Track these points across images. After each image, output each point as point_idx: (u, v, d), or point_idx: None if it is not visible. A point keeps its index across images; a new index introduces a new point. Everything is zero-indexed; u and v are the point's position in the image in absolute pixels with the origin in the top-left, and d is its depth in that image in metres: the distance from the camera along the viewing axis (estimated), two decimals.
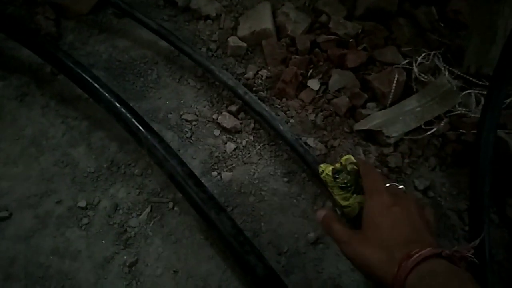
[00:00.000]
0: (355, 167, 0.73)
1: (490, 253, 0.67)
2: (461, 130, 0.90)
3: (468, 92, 0.94)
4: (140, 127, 0.84)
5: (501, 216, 0.81)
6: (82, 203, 0.85)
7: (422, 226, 0.48)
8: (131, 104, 0.89)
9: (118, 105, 0.86)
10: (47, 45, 0.95)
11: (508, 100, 0.91)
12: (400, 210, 0.50)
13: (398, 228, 0.49)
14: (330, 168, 0.74)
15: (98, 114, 0.98)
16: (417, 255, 0.44)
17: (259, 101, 0.93)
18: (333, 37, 1.07)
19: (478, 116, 0.88)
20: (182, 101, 1.02)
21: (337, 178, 0.72)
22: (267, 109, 0.91)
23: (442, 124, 0.91)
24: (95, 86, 0.88)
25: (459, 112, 0.92)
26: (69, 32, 1.14)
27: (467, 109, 0.92)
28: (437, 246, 0.45)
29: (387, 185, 0.55)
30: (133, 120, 0.85)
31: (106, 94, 0.88)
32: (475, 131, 0.86)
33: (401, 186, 0.56)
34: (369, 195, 0.54)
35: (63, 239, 0.82)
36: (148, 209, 0.85)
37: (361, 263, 0.49)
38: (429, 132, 0.90)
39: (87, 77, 0.89)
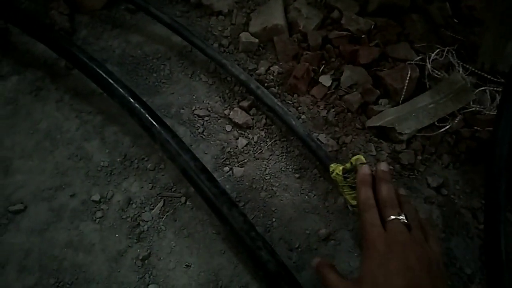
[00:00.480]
0: None
1: (506, 252, 0.66)
2: (475, 127, 0.89)
3: (483, 89, 0.93)
4: (154, 122, 0.85)
5: None
6: (96, 197, 0.86)
7: (422, 276, 0.44)
8: (144, 99, 0.90)
9: (132, 100, 0.87)
10: (62, 40, 0.96)
11: None
12: (397, 262, 0.45)
13: (396, 281, 0.44)
14: (341, 168, 0.74)
15: (111, 108, 0.99)
16: None
17: (271, 96, 0.93)
18: (345, 33, 1.07)
19: (493, 113, 0.87)
20: (194, 97, 1.02)
21: (347, 177, 0.72)
22: (279, 103, 0.91)
23: (456, 121, 0.90)
24: (109, 81, 0.89)
25: (473, 109, 0.91)
26: (83, 27, 1.15)
27: (482, 106, 0.91)
28: None
29: (390, 218, 0.50)
30: (147, 115, 0.86)
31: (120, 89, 0.88)
32: (489, 129, 0.85)
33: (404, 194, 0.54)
34: (365, 245, 0.49)
35: (77, 232, 0.83)
36: (160, 204, 0.86)
37: None
38: (442, 129, 0.89)
39: (102, 72, 0.90)
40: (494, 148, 0.71)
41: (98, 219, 0.84)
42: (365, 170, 0.59)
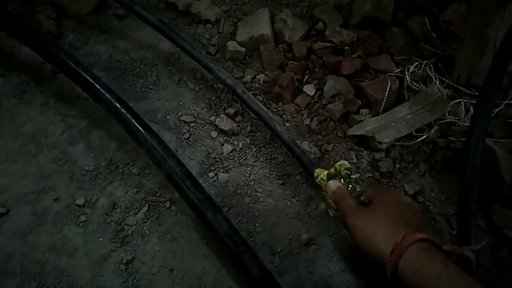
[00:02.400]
0: (348, 172, 0.76)
1: (477, 257, 0.70)
2: (450, 138, 0.93)
3: (458, 101, 0.98)
4: (140, 128, 0.86)
5: (487, 222, 0.84)
6: (80, 201, 0.87)
7: (422, 224, 0.58)
8: (130, 105, 0.91)
9: (118, 105, 0.88)
10: (48, 44, 0.96)
11: (496, 110, 0.94)
12: (407, 207, 0.59)
13: (407, 215, 0.56)
14: (325, 172, 0.77)
15: (97, 113, 0.99)
16: (421, 234, 0.48)
17: (257, 101, 0.94)
18: (329, 44, 1.10)
19: (467, 124, 0.92)
20: (180, 103, 1.04)
21: None
22: (265, 109, 0.93)
23: (432, 132, 0.94)
24: (96, 86, 0.90)
25: (448, 120, 0.95)
26: (70, 32, 1.15)
27: (457, 118, 0.95)
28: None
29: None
30: (133, 120, 0.87)
31: (107, 94, 0.89)
32: (464, 139, 0.89)
33: None
34: (384, 190, 0.64)
35: (61, 236, 0.83)
36: (145, 208, 0.87)
37: (364, 233, 0.55)
38: (419, 139, 0.93)
39: (88, 77, 0.91)
40: (467, 158, 0.75)
41: (82, 223, 0.85)
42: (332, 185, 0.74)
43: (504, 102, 0.95)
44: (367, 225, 0.56)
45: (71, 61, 0.93)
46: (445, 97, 0.97)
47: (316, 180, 0.78)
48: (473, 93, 0.99)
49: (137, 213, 0.86)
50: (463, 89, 1.00)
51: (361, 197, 0.72)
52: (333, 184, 0.71)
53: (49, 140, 0.96)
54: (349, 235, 0.64)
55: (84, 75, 0.92)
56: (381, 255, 0.52)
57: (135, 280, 0.78)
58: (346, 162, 0.77)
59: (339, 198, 0.67)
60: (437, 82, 1.01)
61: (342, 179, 0.74)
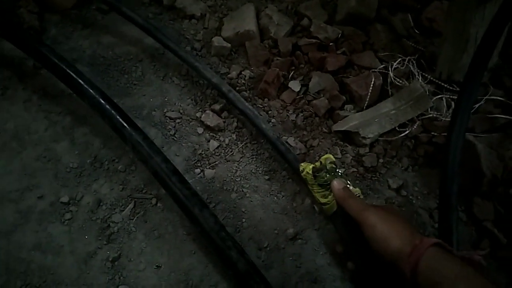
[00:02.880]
0: (334, 166, 0.77)
1: (458, 250, 0.72)
2: (432, 133, 0.95)
3: (440, 97, 1.00)
4: (125, 124, 0.85)
5: (468, 215, 0.86)
6: (65, 199, 0.86)
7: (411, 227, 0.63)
8: (115, 101, 0.90)
9: (102, 101, 0.87)
10: (30, 39, 0.95)
11: (476, 105, 0.96)
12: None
13: (408, 222, 0.62)
14: (311, 166, 0.77)
15: (81, 109, 0.98)
16: (436, 239, 0.52)
17: (242, 99, 0.95)
18: (314, 40, 1.11)
19: (449, 119, 0.94)
20: (166, 99, 1.03)
21: (317, 176, 0.76)
22: (250, 107, 0.93)
23: (415, 127, 0.96)
24: (80, 82, 0.89)
25: (431, 115, 0.97)
26: (53, 26, 1.14)
27: (439, 113, 0.97)
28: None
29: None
30: (118, 117, 0.86)
31: (91, 90, 0.88)
32: (445, 134, 0.91)
33: None
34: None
35: (45, 234, 0.82)
36: (131, 205, 0.86)
37: (383, 233, 0.58)
38: (402, 134, 0.95)
39: (72, 73, 0.90)
40: (447, 152, 0.77)
41: (67, 221, 0.84)
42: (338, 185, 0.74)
43: (485, 97, 0.97)
44: (385, 226, 0.59)
45: (53, 56, 0.92)
46: (427, 93, 0.99)
47: (302, 174, 0.79)
48: (454, 89, 1.01)
49: (123, 210, 0.86)
50: (445, 85, 1.02)
51: None
52: (338, 183, 0.72)
53: (33, 137, 0.95)
54: (364, 233, 0.63)
55: (67, 70, 0.91)
56: (398, 255, 0.55)
57: (122, 277, 0.78)
58: (331, 156, 0.78)
59: (347, 196, 0.70)
60: (420, 78, 1.02)
61: (327, 173, 0.75)
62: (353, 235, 0.68)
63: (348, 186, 0.74)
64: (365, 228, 0.62)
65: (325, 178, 0.74)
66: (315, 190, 0.76)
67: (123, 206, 0.86)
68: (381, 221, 0.60)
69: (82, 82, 0.89)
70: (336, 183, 0.72)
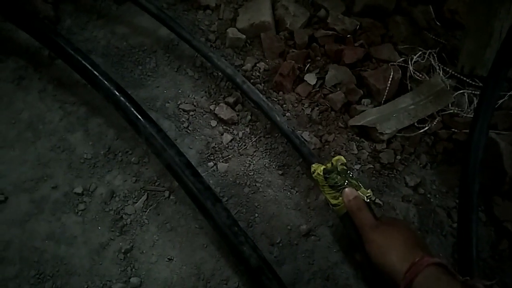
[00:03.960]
0: (345, 167, 0.76)
1: (477, 250, 0.70)
2: (452, 129, 0.92)
3: (461, 92, 0.97)
4: (139, 116, 0.84)
5: (488, 215, 0.84)
6: (79, 189, 0.86)
7: (418, 243, 0.61)
8: (129, 92, 0.90)
9: (117, 93, 0.87)
10: (46, 29, 0.94)
11: (500, 101, 0.93)
12: (415, 233, 0.63)
13: (418, 240, 0.59)
14: (322, 168, 0.76)
15: (96, 100, 0.98)
16: (439, 259, 0.51)
17: (257, 91, 0.93)
18: (331, 32, 1.08)
19: (470, 116, 0.91)
20: (180, 91, 1.02)
21: (327, 177, 0.74)
22: (264, 99, 0.92)
23: (434, 123, 0.93)
24: (94, 74, 0.88)
25: (451, 111, 0.94)
26: (67, 16, 1.13)
27: (460, 109, 0.94)
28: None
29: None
30: (132, 108, 0.85)
31: (105, 82, 0.88)
32: (466, 131, 0.88)
33: None
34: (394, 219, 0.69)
35: (59, 224, 0.83)
36: (144, 197, 0.86)
37: (381, 249, 0.58)
38: (421, 130, 0.92)
39: (87, 64, 0.89)
40: (469, 150, 0.74)
41: (80, 212, 0.84)
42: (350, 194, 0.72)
43: (508, 93, 0.94)
44: (385, 241, 0.59)
45: (69, 47, 0.91)
46: (448, 88, 0.96)
47: (313, 175, 0.78)
48: (476, 84, 0.98)
49: (136, 202, 0.86)
50: (467, 80, 0.98)
51: (359, 192, 0.72)
52: (350, 193, 0.71)
53: (47, 127, 0.95)
54: (366, 249, 0.66)
55: (83, 61, 0.90)
56: (394, 271, 0.55)
57: (133, 269, 0.78)
58: (342, 158, 0.76)
59: (355, 208, 0.69)
60: (441, 72, 0.99)
61: (338, 174, 0.73)
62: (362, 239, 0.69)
63: (359, 186, 0.72)
64: (366, 243, 0.64)
65: (336, 180, 0.73)
66: (326, 191, 0.75)
67: (136, 198, 0.86)
68: (382, 237, 0.61)
69: (97, 74, 0.89)
70: (348, 192, 0.71)
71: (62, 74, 1.02)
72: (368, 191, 0.73)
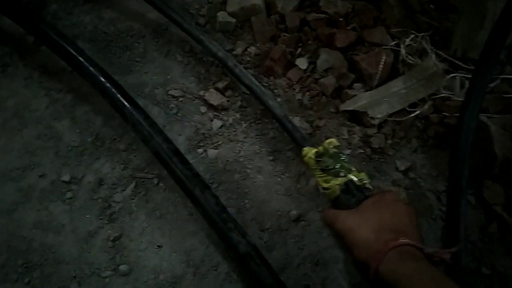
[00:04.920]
0: (337, 150, 0.74)
1: (465, 233, 0.70)
2: (444, 113, 0.91)
3: (453, 76, 0.95)
4: (126, 103, 0.83)
5: (478, 198, 0.83)
6: (66, 177, 0.85)
7: (415, 225, 0.54)
8: (116, 78, 0.88)
9: (103, 79, 0.85)
10: (29, 15, 0.92)
11: (492, 85, 0.92)
12: (402, 207, 0.56)
13: (395, 219, 0.54)
14: (314, 151, 0.75)
15: (83, 87, 0.96)
16: (402, 240, 0.50)
17: (249, 75, 0.91)
18: (323, 15, 1.06)
19: (462, 99, 0.89)
20: (168, 77, 1.01)
21: (319, 161, 0.73)
22: (256, 83, 0.90)
23: (426, 107, 0.92)
24: (80, 60, 0.87)
25: (443, 95, 0.93)
26: (53, 1, 1.10)
27: (451, 92, 0.93)
28: (423, 244, 0.50)
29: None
30: (119, 95, 0.84)
31: (91, 68, 0.86)
32: (457, 114, 0.87)
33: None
34: (382, 192, 0.62)
35: (47, 213, 0.82)
36: (132, 185, 0.85)
37: (350, 240, 0.54)
38: (412, 114, 0.91)
39: (72, 50, 0.87)
40: (459, 133, 0.74)
41: (68, 200, 0.83)
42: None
43: (500, 76, 0.93)
44: (353, 234, 0.55)
45: (53, 32, 0.89)
46: (440, 71, 0.94)
47: (304, 159, 0.77)
48: (469, 67, 0.96)
49: (124, 190, 0.85)
50: (459, 63, 0.97)
51: (350, 175, 0.71)
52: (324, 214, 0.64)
53: (33, 115, 0.93)
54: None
55: (68, 47, 0.88)
56: (365, 262, 0.53)
57: (122, 257, 0.78)
58: (334, 140, 0.75)
59: (332, 222, 0.61)
60: (433, 55, 0.97)
61: (330, 157, 0.72)
62: None
63: (351, 170, 0.71)
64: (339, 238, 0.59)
65: (328, 163, 0.72)
66: (317, 175, 0.74)
67: (124, 186, 0.86)
68: (349, 227, 0.56)
69: (82, 60, 0.87)
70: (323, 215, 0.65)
71: (47, 60, 1.00)
72: (362, 174, 0.72)
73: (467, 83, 0.94)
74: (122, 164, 0.88)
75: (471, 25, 0.95)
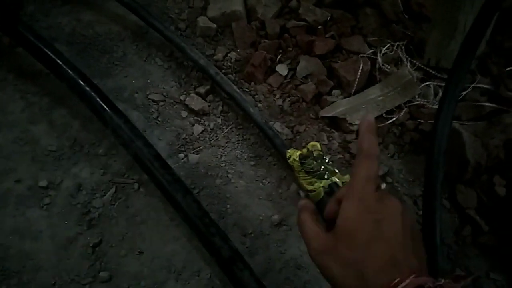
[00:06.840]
0: (321, 153, 0.76)
1: (441, 236, 0.72)
2: (419, 120, 0.95)
3: (428, 84, 0.99)
4: (105, 107, 0.82)
5: (452, 202, 0.87)
6: (43, 183, 0.83)
7: (408, 244, 0.37)
8: (95, 82, 0.87)
9: (82, 83, 0.84)
10: (5, 16, 0.89)
11: (464, 93, 0.96)
12: (385, 223, 0.38)
13: (378, 246, 0.37)
14: (298, 153, 0.76)
15: (60, 90, 0.94)
16: (403, 284, 0.34)
17: (230, 82, 0.92)
18: (302, 23, 1.08)
19: (436, 107, 0.93)
20: (148, 81, 1.00)
21: (303, 163, 0.75)
22: (237, 90, 0.91)
23: (402, 114, 0.95)
24: (58, 62, 0.85)
25: (418, 102, 0.97)
26: (30, 2, 1.08)
27: (426, 100, 0.97)
28: (422, 270, 0.36)
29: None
30: (98, 99, 0.83)
31: (69, 71, 0.85)
32: (432, 121, 0.91)
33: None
34: (352, 195, 0.39)
35: (24, 219, 0.80)
36: (112, 190, 0.84)
37: (327, 278, 0.40)
38: (389, 121, 0.94)
39: (49, 52, 0.86)
40: (434, 140, 0.77)
41: (45, 206, 0.81)
42: (371, 117, 0.45)
43: (472, 85, 0.97)
44: (330, 273, 0.39)
45: (30, 34, 0.87)
46: (415, 80, 0.98)
47: (289, 161, 0.78)
48: (442, 76, 1.00)
49: (104, 195, 0.84)
50: (433, 72, 1.01)
51: (334, 178, 0.73)
52: (300, 203, 0.46)
53: (9, 118, 0.91)
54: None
55: (45, 49, 0.86)
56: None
57: (103, 264, 0.77)
58: (317, 144, 0.77)
59: (300, 221, 0.43)
60: (408, 64, 1.01)
61: (314, 160, 0.74)
62: None
63: (335, 172, 0.73)
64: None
65: (312, 165, 0.73)
66: (301, 177, 0.75)
67: (104, 191, 0.84)
68: (325, 264, 0.40)
69: (60, 63, 0.86)
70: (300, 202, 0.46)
71: (23, 62, 0.98)
72: (346, 176, 0.74)
73: (440, 91, 0.98)
74: (101, 169, 0.86)
75: (443, 36, 0.99)
